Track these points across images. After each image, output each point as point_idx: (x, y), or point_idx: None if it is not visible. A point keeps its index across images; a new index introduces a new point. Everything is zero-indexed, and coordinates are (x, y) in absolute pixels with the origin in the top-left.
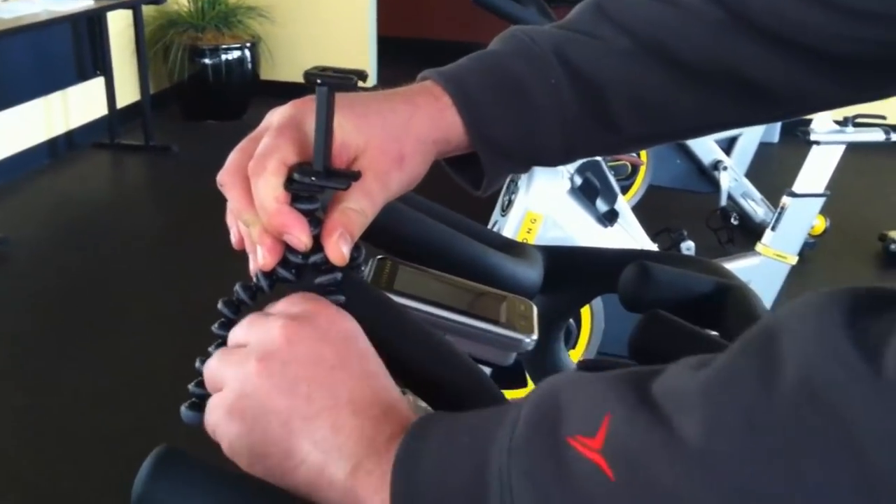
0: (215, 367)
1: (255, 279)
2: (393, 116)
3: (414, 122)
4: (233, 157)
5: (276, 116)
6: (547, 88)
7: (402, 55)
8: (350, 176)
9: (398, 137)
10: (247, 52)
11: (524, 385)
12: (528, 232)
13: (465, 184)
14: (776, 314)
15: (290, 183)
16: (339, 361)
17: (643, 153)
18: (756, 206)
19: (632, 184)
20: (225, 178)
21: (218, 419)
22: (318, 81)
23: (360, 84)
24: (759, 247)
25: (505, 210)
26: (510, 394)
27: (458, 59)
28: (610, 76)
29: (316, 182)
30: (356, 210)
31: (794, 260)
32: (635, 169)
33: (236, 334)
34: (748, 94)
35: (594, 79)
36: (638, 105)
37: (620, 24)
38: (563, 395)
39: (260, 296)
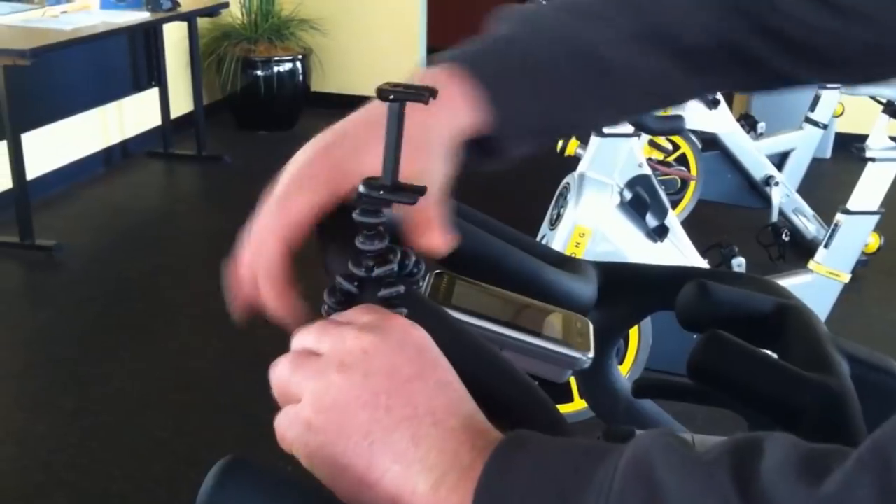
0: (288, 377)
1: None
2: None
3: (429, 117)
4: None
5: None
6: (559, 71)
7: None
8: (416, 190)
9: (418, 146)
10: (298, 64)
11: (570, 400)
12: (577, 246)
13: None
14: (885, 430)
15: (357, 197)
16: (414, 372)
17: (693, 168)
18: (808, 223)
19: (682, 198)
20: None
21: (297, 434)
22: (391, 97)
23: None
24: (811, 264)
25: (553, 224)
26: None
27: None
28: (618, 59)
29: (383, 196)
30: (431, 215)
31: (846, 278)
32: (685, 183)
33: (305, 341)
34: (741, 65)
35: (604, 62)
36: (643, 90)
37: (630, 5)
38: (660, 477)
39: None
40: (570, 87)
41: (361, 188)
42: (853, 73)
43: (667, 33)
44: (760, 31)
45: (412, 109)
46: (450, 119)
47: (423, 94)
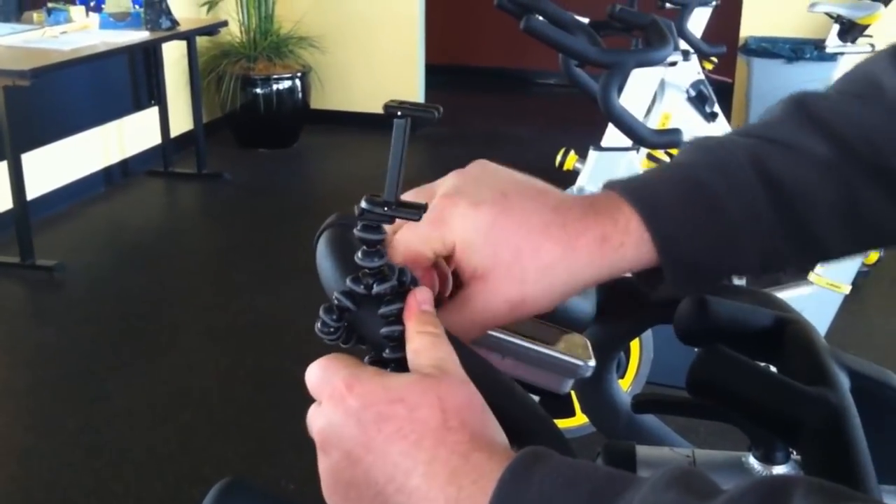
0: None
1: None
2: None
3: (569, 259)
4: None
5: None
6: (745, 204)
7: (449, 82)
8: (420, 207)
9: (528, 274)
10: (297, 82)
11: (572, 415)
12: None
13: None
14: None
15: (359, 212)
16: (362, 447)
17: None
18: None
19: None
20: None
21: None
22: (398, 114)
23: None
24: (811, 276)
25: None
26: (557, 423)
27: (504, 85)
28: (815, 191)
29: (388, 213)
30: (432, 329)
31: (847, 289)
32: None
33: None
34: None
35: (798, 195)
36: (847, 221)
37: (827, 128)
38: None
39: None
40: (755, 219)
41: (363, 204)
42: None
43: (872, 153)
44: None
45: (564, 228)
46: (589, 260)
47: (431, 112)
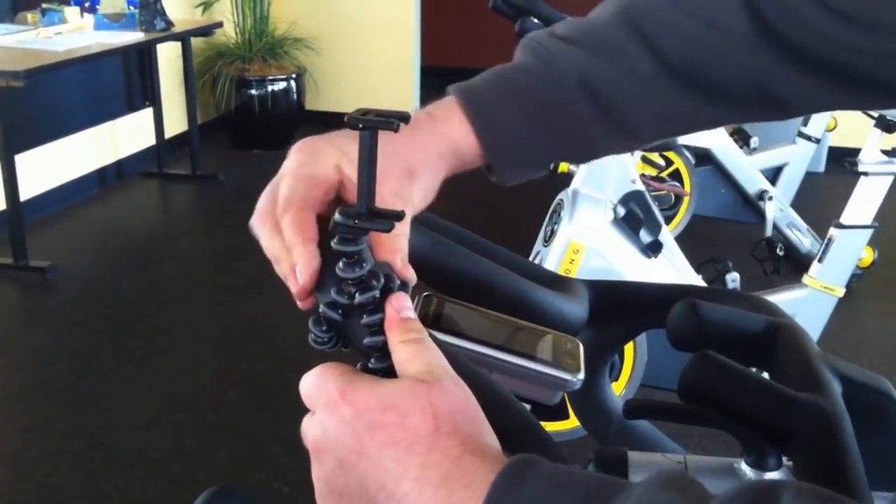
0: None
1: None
2: (396, 137)
3: (416, 139)
4: (261, 203)
5: (289, 162)
6: (568, 111)
7: (445, 84)
8: (393, 216)
9: (401, 154)
10: (292, 83)
11: (566, 418)
12: (571, 262)
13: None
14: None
15: (333, 225)
16: (356, 454)
17: (687, 183)
18: (802, 237)
19: (675, 214)
20: (255, 222)
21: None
22: (360, 126)
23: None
24: (805, 279)
25: (548, 240)
26: (551, 426)
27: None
28: (634, 101)
29: (359, 224)
30: (399, 233)
31: (841, 292)
32: (679, 199)
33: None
34: (767, 105)
35: (617, 104)
36: (660, 122)
37: (652, 42)
38: None
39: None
40: (577, 121)
41: (337, 216)
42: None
43: (690, 70)
44: (788, 58)
45: (409, 128)
46: (433, 139)
47: (393, 122)
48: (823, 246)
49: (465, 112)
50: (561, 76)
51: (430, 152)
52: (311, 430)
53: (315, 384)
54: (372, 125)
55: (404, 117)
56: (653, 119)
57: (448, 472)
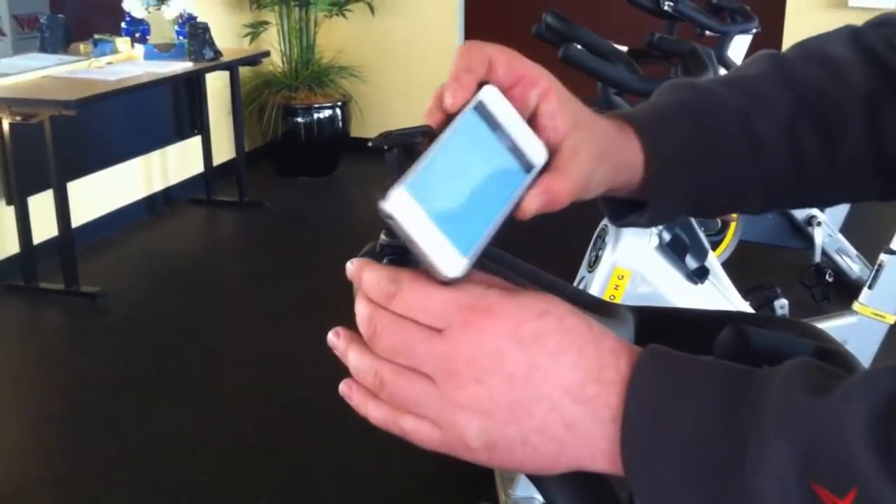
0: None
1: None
2: (600, 122)
3: (613, 138)
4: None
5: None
6: (728, 148)
7: None
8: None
9: (601, 137)
10: (338, 111)
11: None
12: (616, 288)
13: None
14: None
15: (380, 248)
16: (525, 364)
17: None
18: (852, 263)
19: (722, 239)
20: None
21: (462, 452)
22: (386, 147)
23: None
24: (855, 305)
25: (592, 266)
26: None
27: None
28: (779, 150)
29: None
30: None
31: (892, 319)
32: (725, 224)
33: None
34: (884, 172)
35: (768, 153)
36: (794, 176)
37: (794, 90)
38: (813, 435)
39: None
40: (732, 162)
41: (383, 238)
42: None
43: (824, 127)
44: None
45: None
46: (621, 151)
47: (417, 137)
48: (874, 272)
49: (637, 133)
50: (725, 114)
51: (616, 158)
52: (461, 351)
53: (437, 305)
54: (397, 143)
55: (426, 132)
56: (788, 170)
57: (616, 363)
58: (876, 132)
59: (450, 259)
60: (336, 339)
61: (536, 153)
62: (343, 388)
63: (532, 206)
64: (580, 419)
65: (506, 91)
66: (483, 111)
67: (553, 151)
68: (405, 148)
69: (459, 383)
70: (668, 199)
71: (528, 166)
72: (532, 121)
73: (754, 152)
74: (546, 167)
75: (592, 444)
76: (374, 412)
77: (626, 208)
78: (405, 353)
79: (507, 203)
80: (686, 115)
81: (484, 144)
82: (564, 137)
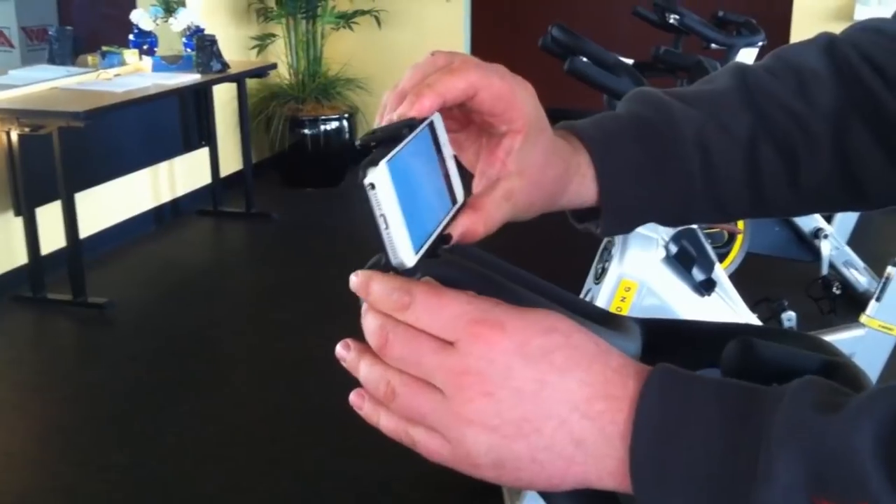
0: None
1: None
2: (557, 147)
3: (559, 152)
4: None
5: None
6: (681, 167)
7: None
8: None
9: (551, 177)
10: (345, 123)
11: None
12: (623, 300)
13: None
14: None
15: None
16: (534, 380)
17: (740, 222)
18: (859, 276)
19: (729, 251)
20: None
21: (472, 470)
22: (373, 144)
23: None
24: (863, 318)
25: (598, 278)
26: None
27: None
28: (732, 164)
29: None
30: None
31: None
32: (732, 237)
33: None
34: (845, 187)
35: (722, 170)
36: (741, 189)
37: (758, 110)
38: (822, 452)
39: None
40: (685, 179)
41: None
42: None
43: (787, 145)
44: (876, 141)
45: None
46: (570, 175)
47: (402, 130)
48: (881, 285)
49: (587, 150)
50: (679, 132)
51: (552, 173)
52: (472, 363)
53: (447, 317)
54: (384, 137)
55: (412, 125)
56: (740, 188)
57: (621, 384)
58: (842, 153)
59: (407, 248)
60: (345, 350)
61: (459, 192)
62: (353, 398)
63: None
64: (588, 436)
65: (485, 114)
66: (433, 132)
67: (489, 184)
68: (393, 140)
69: (468, 396)
70: (618, 211)
71: (453, 199)
72: (490, 146)
73: (708, 170)
74: (464, 204)
75: (600, 461)
76: (386, 422)
77: (588, 213)
78: (415, 363)
79: (440, 223)
80: (637, 132)
81: (431, 162)
82: (507, 176)
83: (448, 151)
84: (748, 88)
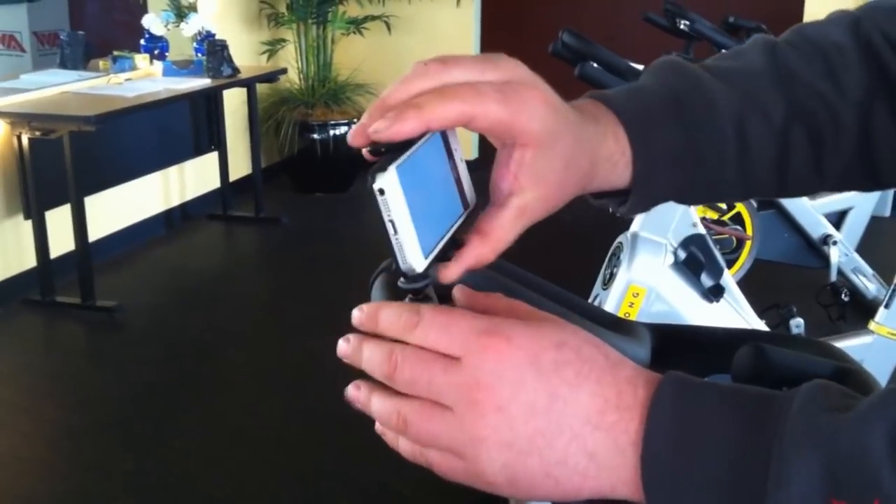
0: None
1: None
2: (583, 142)
3: (586, 136)
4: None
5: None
6: (716, 150)
7: None
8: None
9: (575, 164)
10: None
11: None
12: (631, 306)
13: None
14: None
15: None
16: (545, 394)
17: (749, 227)
18: (868, 282)
19: (737, 258)
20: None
21: (486, 485)
22: (383, 150)
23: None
24: (871, 325)
25: (606, 283)
26: None
27: None
28: (766, 154)
29: (404, 286)
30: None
31: None
32: (741, 243)
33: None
34: (865, 172)
35: (755, 155)
36: (779, 178)
37: (787, 91)
38: (834, 452)
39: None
40: (719, 162)
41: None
42: None
43: (814, 126)
44: None
45: (589, 125)
46: (599, 156)
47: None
48: (890, 291)
49: (627, 134)
50: (717, 112)
51: (578, 173)
52: (483, 377)
53: (452, 334)
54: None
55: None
56: (769, 169)
57: (633, 396)
58: (867, 138)
59: (416, 253)
60: (357, 391)
61: (471, 195)
62: (378, 426)
63: (455, 273)
64: (601, 447)
65: (484, 132)
66: (444, 136)
67: (500, 201)
68: (403, 145)
69: (480, 412)
70: (649, 194)
71: (465, 203)
72: (503, 156)
73: (743, 154)
74: (476, 213)
75: (613, 472)
76: (404, 446)
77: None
78: (426, 384)
79: (450, 228)
80: (676, 110)
81: (442, 167)
82: (518, 192)
83: (459, 155)
84: (780, 69)
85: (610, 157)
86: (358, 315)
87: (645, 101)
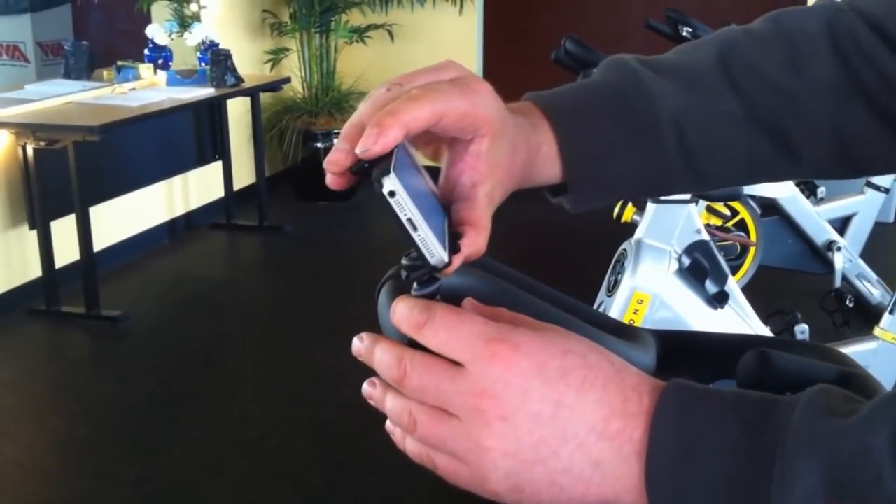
0: (433, 436)
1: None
2: (519, 130)
3: (519, 136)
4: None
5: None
6: (655, 143)
7: None
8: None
9: (518, 162)
10: None
11: None
12: (635, 313)
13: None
14: None
15: (406, 275)
16: (550, 401)
17: (753, 234)
18: (872, 288)
19: (742, 264)
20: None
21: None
22: (367, 164)
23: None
24: (876, 330)
25: (611, 290)
26: None
27: None
28: (717, 144)
29: (412, 277)
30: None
31: None
32: (745, 249)
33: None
34: (844, 161)
35: (701, 145)
36: (735, 168)
37: (741, 88)
38: (838, 456)
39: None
40: (660, 154)
41: (404, 261)
42: None
43: (774, 118)
44: (872, 112)
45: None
46: (531, 154)
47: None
48: (894, 297)
49: (551, 126)
50: (654, 107)
51: (519, 159)
52: (490, 386)
53: (460, 337)
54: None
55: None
56: (729, 165)
57: (638, 404)
58: (840, 130)
59: (440, 246)
60: (372, 388)
61: (440, 195)
62: (388, 425)
63: (457, 264)
64: (606, 456)
65: (451, 132)
66: (405, 147)
67: (467, 193)
68: (383, 158)
69: (485, 420)
70: (587, 187)
71: (442, 206)
72: (457, 154)
73: (684, 148)
74: (454, 212)
75: (617, 480)
76: (411, 447)
77: (561, 188)
78: (434, 391)
79: (445, 225)
80: (611, 103)
81: (415, 173)
82: (482, 181)
83: (419, 162)
84: (729, 63)
85: (539, 148)
86: (356, 346)
87: (576, 97)
